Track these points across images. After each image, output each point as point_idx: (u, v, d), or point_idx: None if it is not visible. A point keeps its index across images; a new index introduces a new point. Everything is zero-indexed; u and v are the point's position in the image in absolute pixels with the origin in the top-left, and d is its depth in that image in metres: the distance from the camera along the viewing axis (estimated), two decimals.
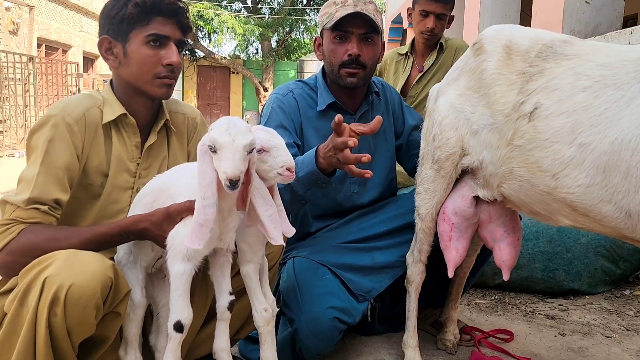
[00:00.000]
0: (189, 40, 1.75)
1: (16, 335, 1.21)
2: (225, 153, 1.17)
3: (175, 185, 1.37)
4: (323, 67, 2.02)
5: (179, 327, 1.29)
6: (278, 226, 1.32)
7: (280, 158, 1.31)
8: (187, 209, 1.30)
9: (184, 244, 1.25)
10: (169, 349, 1.33)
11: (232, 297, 1.38)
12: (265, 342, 1.44)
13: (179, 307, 1.29)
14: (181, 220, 1.31)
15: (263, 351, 1.44)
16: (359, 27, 1.86)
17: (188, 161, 1.65)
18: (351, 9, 1.83)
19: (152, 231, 1.33)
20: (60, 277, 1.17)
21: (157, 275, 1.49)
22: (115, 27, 1.45)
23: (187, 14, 1.52)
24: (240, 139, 1.18)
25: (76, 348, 1.26)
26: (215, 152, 1.19)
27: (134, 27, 1.44)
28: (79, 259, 1.21)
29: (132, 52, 1.44)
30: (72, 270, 1.18)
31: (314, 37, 2.06)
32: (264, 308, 1.40)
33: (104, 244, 1.35)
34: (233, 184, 1.17)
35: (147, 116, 1.54)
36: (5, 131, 9.23)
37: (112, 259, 1.49)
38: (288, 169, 1.31)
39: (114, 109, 1.48)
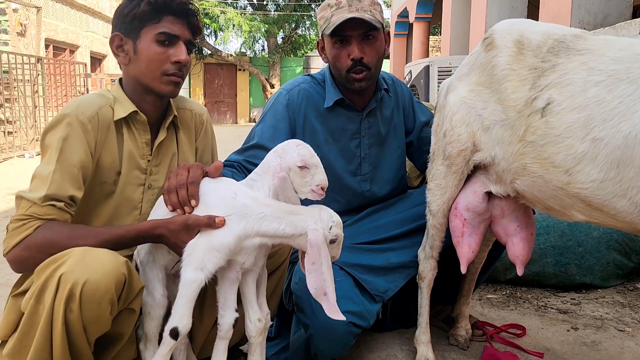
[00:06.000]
0: (197, 42, 1.73)
1: (33, 332, 1.23)
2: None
3: (210, 194, 1.37)
4: None
5: (175, 334, 1.28)
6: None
7: (318, 177, 1.38)
8: (205, 224, 1.31)
9: (201, 256, 1.29)
10: (159, 352, 1.31)
11: (237, 315, 1.39)
12: (254, 353, 1.42)
13: (179, 314, 1.28)
14: (198, 232, 1.32)
15: None
16: (357, 28, 1.81)
17: (196, 157, 1.67)
18: (346, 11, 1.78)
19: (169, 238, 1.35)
20: (75, 273, 1.18)
21: (177, 276, 1.50)
22: (127, 25, 1.47)
23: (198, 16, 1.53)
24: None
25: (92, 344, 1.28)
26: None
27: (145, 25, 1.46)
28: (93, 256, 1.23)
29: (142, 49, 1.46)
30: (87, 267, 1.20)
31: (316, 41, 2.05)
32: (257, 318, 1.40)
33: (120, 245, 1.36)
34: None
35: (157, 113, 1.56)
36: (15, 132, 9.28)
37: (129, 256, 1.50)
38: (322, 188, 1.39)
39: (125, 107, 1.49)
